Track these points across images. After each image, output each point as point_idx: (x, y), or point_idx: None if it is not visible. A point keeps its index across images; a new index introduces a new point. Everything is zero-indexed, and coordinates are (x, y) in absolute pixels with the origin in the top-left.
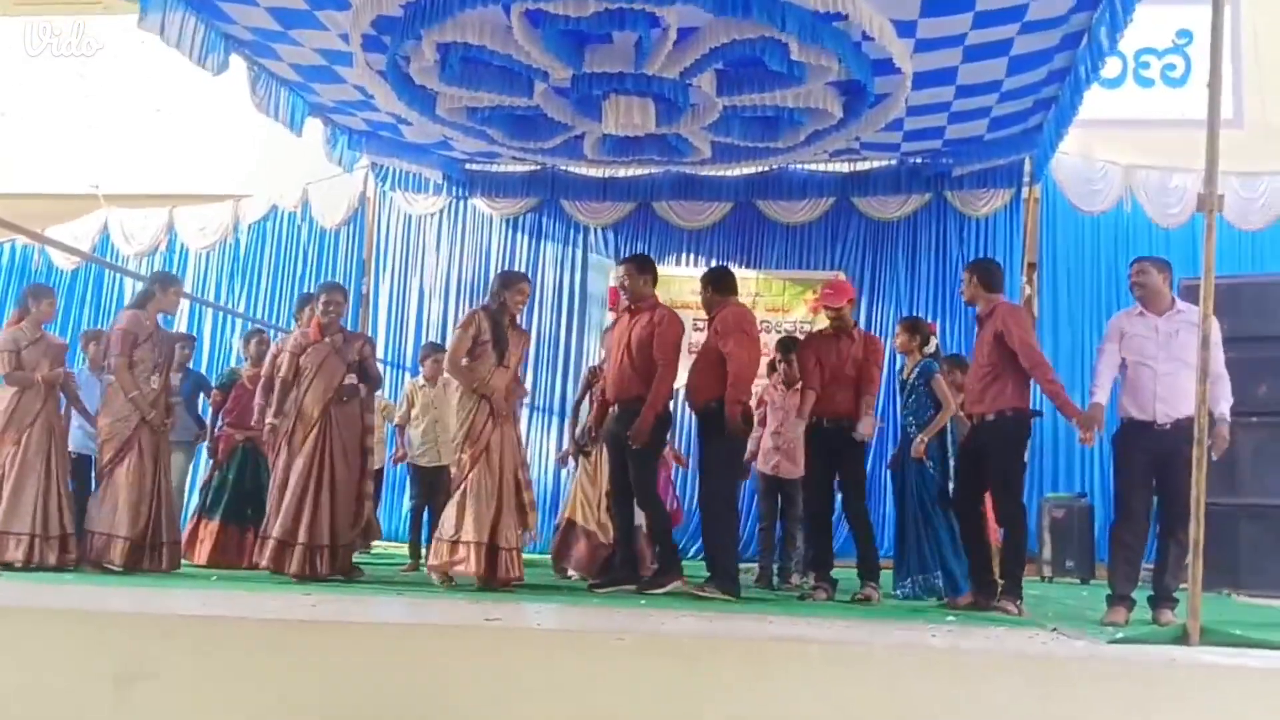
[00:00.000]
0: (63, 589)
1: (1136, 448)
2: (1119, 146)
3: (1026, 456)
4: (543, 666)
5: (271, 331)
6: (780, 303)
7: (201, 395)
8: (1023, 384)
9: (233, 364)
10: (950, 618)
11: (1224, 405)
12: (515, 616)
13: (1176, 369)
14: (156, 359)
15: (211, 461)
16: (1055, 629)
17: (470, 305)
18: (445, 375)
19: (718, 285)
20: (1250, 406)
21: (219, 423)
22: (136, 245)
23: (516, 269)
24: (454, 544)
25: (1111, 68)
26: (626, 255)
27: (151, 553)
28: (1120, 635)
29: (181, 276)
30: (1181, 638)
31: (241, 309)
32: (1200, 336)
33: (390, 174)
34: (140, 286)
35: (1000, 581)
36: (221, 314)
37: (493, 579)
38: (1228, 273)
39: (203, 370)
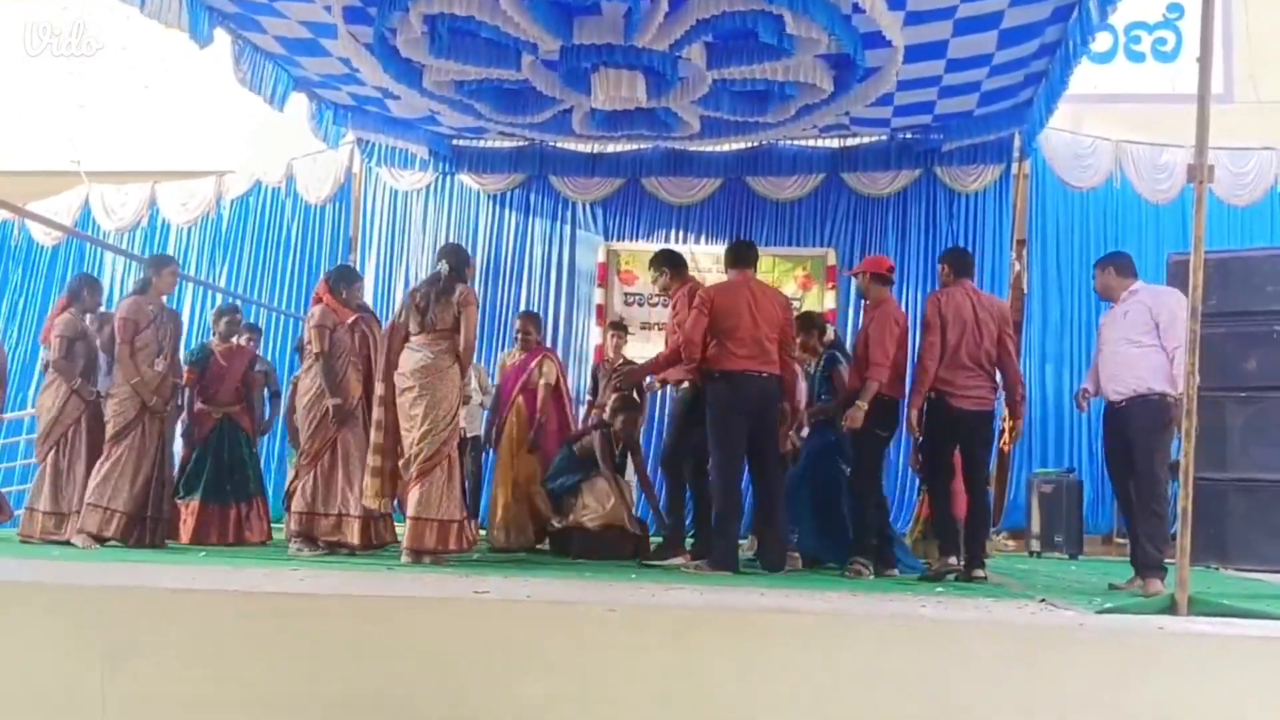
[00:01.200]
0: (51, 564)
1: (1105, 426)
2: (1109, 122)
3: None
4: (532, 639)
5: (249, 308)
6: (770, 279)
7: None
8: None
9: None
10: (939, 589)
11: (1172, 380)
12: (504, 589)
13: (1121, 346)
14: (161, 343)
15: (185, 439)
16: (1044, 600)
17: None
18: None
19: (675, 265)
20: (1239, 381)
21: (193, 400)
22: (117, 220)
23: (504, 245)
24: (451, 523)
25: (1102, 42)
26: (616, 231)
27: (143, 527)
28: (1108, 605)
29: (163, 252)
30: (1170, 608)
31: (223, 285)
32: (1187, 310)
33: (376, 149)
34: (122, 264)
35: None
36: (203, 289)
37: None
38: (1217, 248)
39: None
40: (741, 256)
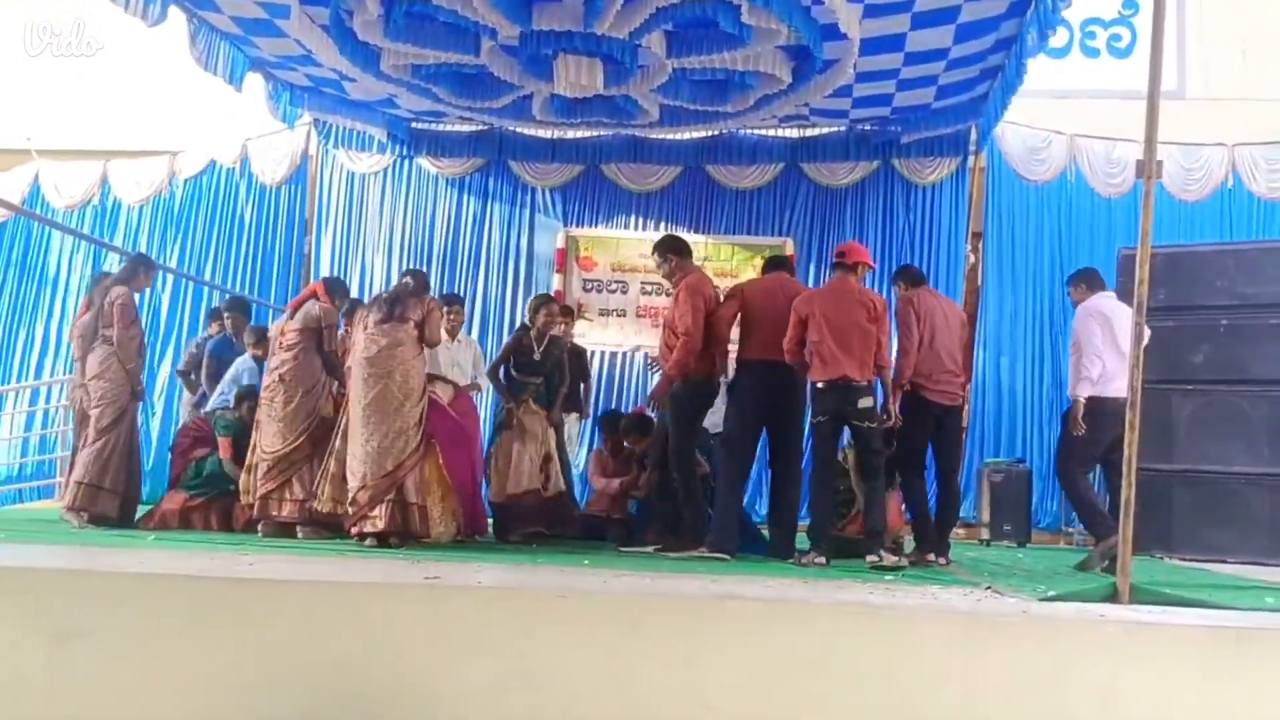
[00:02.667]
0: None
1: None
2: (1064, 116)
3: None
4: (483, 625)
5: (200, 290)
6: (729, 267)
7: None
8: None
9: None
10: (889, 577)
11: (1081, 385)
12: (456, 575)
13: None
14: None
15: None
16: (990, 587)
17: (414, 266)
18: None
19: (679, 252)
20: (1186, 375)
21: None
22: (67, 198)
23: (462, 230)
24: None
25: (1058, 38)
26: (575, 217)
27: (131, 509)
28: (1052, 593)
29: (113, 231)
30: (1112, 596)
31: (175, 265)
32: (1134, 306)
33: (333, 131)
34: (70, 243)
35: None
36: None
37: None
38: (1166, 242)
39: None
40: (777, 263)
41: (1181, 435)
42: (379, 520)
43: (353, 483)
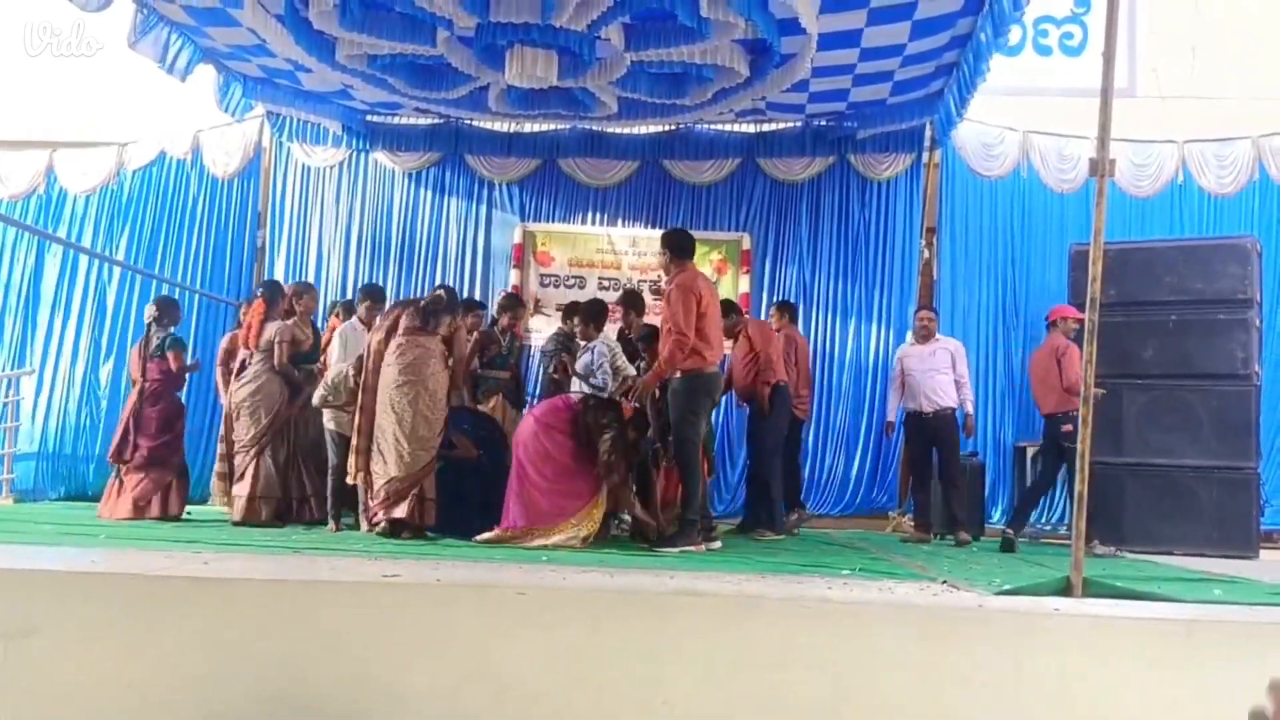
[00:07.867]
0: None
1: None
2: (1017, 113)
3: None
4: (442, 622)
5: (149, 283)
6: None
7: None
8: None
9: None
10: (845, 571)
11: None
12: (415, 572)
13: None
14: None
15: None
16: (946, 581)
17: (371, 261)
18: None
19: (675, 249)
20: (1136, 369)
21: None
22: (12, 187)
23: (419, 225)
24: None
25: (1011, 35)
26: (532, 212)
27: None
28: (1007, 587)
29: (58, 222)
30: (1066, 589)
31: (122, 257)
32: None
33: (287, 124)
34: (13, 235)
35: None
36: (99, 262)
37: None
38: (1118, 239)
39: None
40: (729, 305)
41: (1131, 429)
42: (401, 511)
43: (383, 472)
